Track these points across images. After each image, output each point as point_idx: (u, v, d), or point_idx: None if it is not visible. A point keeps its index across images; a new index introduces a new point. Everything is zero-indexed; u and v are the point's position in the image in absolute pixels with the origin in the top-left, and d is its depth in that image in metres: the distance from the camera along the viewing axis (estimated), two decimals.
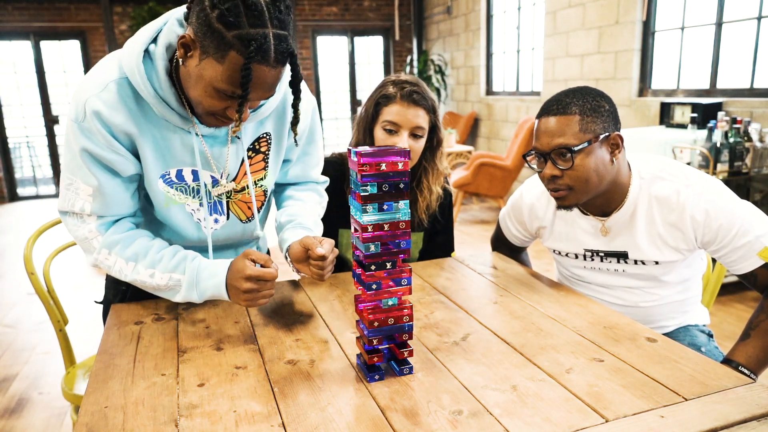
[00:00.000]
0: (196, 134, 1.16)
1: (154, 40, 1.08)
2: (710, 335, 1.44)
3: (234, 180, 1.25)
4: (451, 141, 5.82)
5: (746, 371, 1.15)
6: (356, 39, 8.15)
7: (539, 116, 1.28)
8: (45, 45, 7.02)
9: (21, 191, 7.45)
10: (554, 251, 1.49)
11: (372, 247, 0.90)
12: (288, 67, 1.04)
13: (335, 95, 8.33)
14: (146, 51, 1.07)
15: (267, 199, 1.36)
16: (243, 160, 1.24)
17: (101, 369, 1.01)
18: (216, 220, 1.28)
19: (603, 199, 1.31)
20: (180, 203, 1.22)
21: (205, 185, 1.22)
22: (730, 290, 3.23)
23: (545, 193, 1.45)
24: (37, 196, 7.44)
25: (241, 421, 0.83)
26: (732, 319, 2.91)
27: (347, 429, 0.81)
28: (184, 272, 1.14)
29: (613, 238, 1.35)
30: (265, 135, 1.26)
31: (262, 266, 1.10)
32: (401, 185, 0.89)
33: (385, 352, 0.99)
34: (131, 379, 0.97)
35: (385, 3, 8.01)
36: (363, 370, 0.97)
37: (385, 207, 0.90)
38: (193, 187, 1.21)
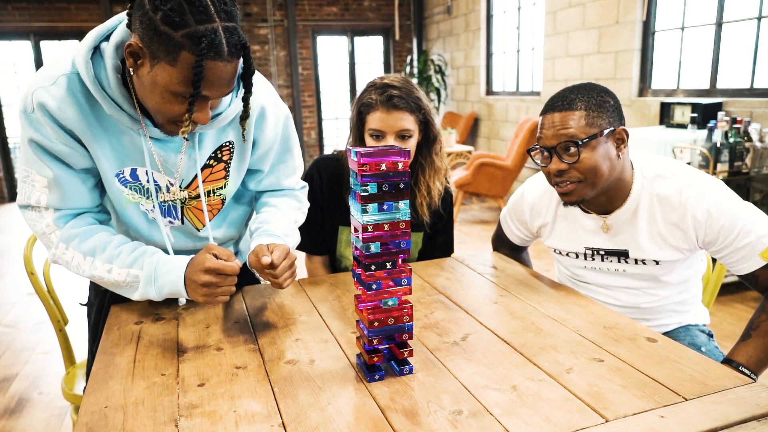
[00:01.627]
0: (146, 136, 1.12)
1: (108, 38, 1.04)
2: (710, 335, 1.44)
3: (188, 187, 1.21)
4: (451, 141, 5.82)
5: (747, 371, 1.15)
6: (356, 39, 8.15)
7: (544, 113, 1.27)
8: (45, 45, 7.01)
9: None
10: (555, 250, 1.49)
11: (372, 247, 0.90)
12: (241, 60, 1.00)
13: (335, 95, 8.33)
14: (99, 48, 1.04)
15: (224, 207, 1.31)
16: (203, 168, 1.20)
17: (101, 369, 1.01)
18: (171, 222, 1.25)
19: (606, 197, 1.31)
20: (134, 202, 1.19)
21: (159, 189, 1.18)
22: (730, 290, 3.23)
23: (547, 191, 1.45)
24: None
25: (241, 421, 0.83)
26: (732, 319, 2.91)
27: (347, 429, 0.81)
28: (142, 267, 1.10)
29: (614, 236, 1.35)
30: (227, 143, 1.22)
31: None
32: (401, 185, 0.89)
33: (385, 352, 0.99)
34: (131, 379, 0.97)
35: (385, 3, 8.01)
36: (363, 370, 0.97)
37: (385, 207, 0.90)
38: (147, 188, 1.18)
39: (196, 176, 1.21)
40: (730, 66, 3.74)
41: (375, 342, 0.94)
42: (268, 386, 0.93)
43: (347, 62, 8.20)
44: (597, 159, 1.21)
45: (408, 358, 0.98)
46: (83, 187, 1.14)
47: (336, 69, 8.23)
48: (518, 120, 5.84)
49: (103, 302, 1.34)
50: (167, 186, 1.19)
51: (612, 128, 1.23)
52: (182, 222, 1.26)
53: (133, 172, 1.16)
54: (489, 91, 6.65)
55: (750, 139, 3.09)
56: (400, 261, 0.94)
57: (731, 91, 3.67)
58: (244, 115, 1.07)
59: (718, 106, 3.52)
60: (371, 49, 8.34)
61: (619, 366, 0.97)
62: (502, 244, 1.68)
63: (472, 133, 6.94)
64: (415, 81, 7.44)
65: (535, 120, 5.06)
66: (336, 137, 8.42)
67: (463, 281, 1.43)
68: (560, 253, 1.48)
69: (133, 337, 1.14)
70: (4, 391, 2.47)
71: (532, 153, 1.30)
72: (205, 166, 1.21)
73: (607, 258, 1.39)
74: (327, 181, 1.62)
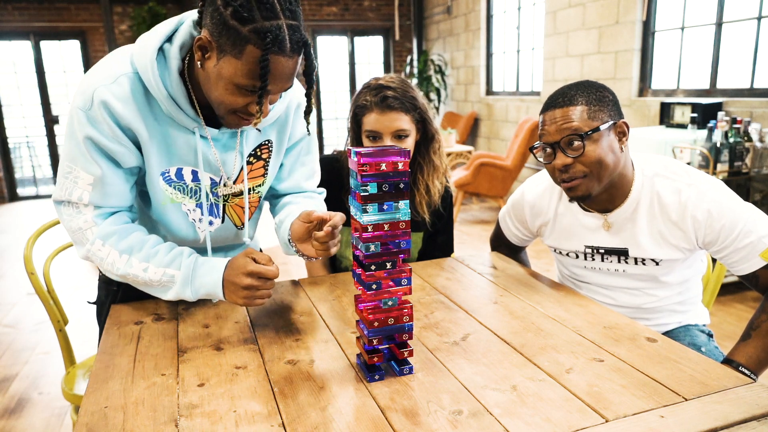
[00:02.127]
0: (202, 136, 1.16)
1: (169, 39, 1.09)
2: (710, 335, 1.45)
3: (234, 183, 1.26)
4: (451, 141, 5.82)
5: (747, 371, 1.15)
6: (356, 39, 8.15)
7: (544, 110, 1.28)
8: (45, 45, 7.02)
9: (21, 191, 7.45)
10: (555, 250, 1.49)
11: (372, 247, 0.90)
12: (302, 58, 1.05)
13: (335, 95, 8.33)
14: (161, 49, 1.08)
15: (259, 206, 1.37)
16: (243, 166, 1.24)
17: (101, 369, 1.01)
18: (210, 222, 1.27)
19: (607, 195, 1.31)
20: (177, 203, 1.22)
21: (204, 186, 1.22)
22: (730, 290, 3.23)
23: (547, 190, 1.45)
24: (37, 196, 7.44)
25: (241, 421, 0.83)
26: (732, 319, 2.91)
27: (347, 429, 0.81)
28: (179, 268, 1.12)
29: (614, 234, 1.35)
30: (266, 142, 1.28)
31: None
32: (401, 185, 0.89)
33: (385, 352, 0.99)
34: (131, 379, 0.97)
35: (385, 3, 8.01)
36: (363, 370, 0.97)
37: (385, 207, 0.90)
38: (191, 188, 1.21)
39: (239, 173, 1.25)
40: (730, 66, 3.74)
41: (375, 342, 0.94)
42: (268, 386, 0.93)
43: (347, 62, 8.20)
44: (601, 152, 1.22)
45: (408, 358, 0.98)
46: (126, 186, 1.16)
47: (336, 69, 8.23)
48: (518, 120, 5.84)
49: (114, 302, 1.34)
50: (213, 183, 1.22)
51: (613, 121, 1.24)
52: (222, 220, 1.29)
53: (179, 172, 1.19)
54: (489, 91, 6.64)
55: (750, 139, 3.09)
56: (400, 261, 0.94)
57: (731, 91, 3.66)
58: (308, 110, 1.14)
59: (718, 106, 3.52)
60: (371, 49, 8.34)
61: (619, 366, 0.97)
62: (500, 244, 1.68)
63: (472, 133, 6.93)
64: (415, 81, 7.45)
65: (535, 120, 5.06)
66: (336, 137, 8.42)
67: (463, 281, 1.43)
68: (560, 252, 1.48)
69: (133, 337, 1.14)
70: (4, 391, 2.47)
71: (535, 150, 1.30)
72: (246, 164, 1.26)
73: (607, 258, 1.39)
74: (326, 181, 1.62)
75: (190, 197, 1.22)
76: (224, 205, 1.28)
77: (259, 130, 1.22)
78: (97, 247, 1.13)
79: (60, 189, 1.13)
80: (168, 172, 1.18)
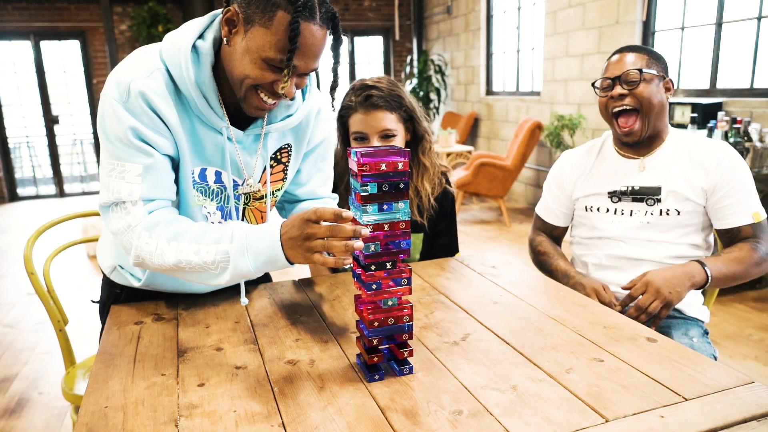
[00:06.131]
0: (228, 138, 1.15)
1: (201, 36, 1.09)
2: (706, 332, 1.49)
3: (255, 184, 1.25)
4: (451, 141, 5.82)
5: (708, 273, 1.38)
6: (356, 39, 8.15)
7: (610, 57, 1.53)
8: (45, 45, 7.02)
9: (21, 191, 7.45)
10: (585, 208, 1.60)
11: (372, 247, 0.90)
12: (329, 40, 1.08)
13: (335, 95, 8.32)
14: (194, 46, 1.08)
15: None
16: (265, 168, 1.24)
17: (101, 369, 1.01)
18: None
19: (647, 140, 1.52)
20: (198, 205, 1.19)
21: (237, 185, 1.21)
22: (730, 290, 3.23)
23: (587, 149, 1.64)
24: (37, 196, 7.44)
25: (241, 421, 0.83)
26: (732, 319, 2.91)
27: (347, 429, 0.81)
28: (231, 240, 1.02)
29: (648, 173, 1.52)
30: (286, 146, 1.28)
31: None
32: (401, 185, 0.90)
33: (385, 352, 0.99)
34: (131, 379, 0.97)
35: (385, 3, 8.01)
36: (363, 370, 0.97)
37: (385, 207, 0.90)
38: (213, 189, 1.19)
39: (261, 176, 1.25)
40: (730, 66, 3.74)
41: (375, 342, 0.94)
42: (268, 386, 0.93)
43: (347, 62, 8.20)
44: (651, 91, 1.45)
45: (408, 358, 0.98)
46: (172, 175, 1.13)
47: None
48: (518, 120, 5.84)
49: (117, 302, 1.34)
50: (235, 185, 1.21)
51: (664, 75, 1.49)
52: None
53: (202, 173, 1.17)
54: (489, 91, 6.65)
55: (750, 139, 3.09)
56: (400, 261, 0.94)
57: (731, 91, 3.67)
58: (334, 85, 1.16)
59: (718, 106, 3.52)
60: (371, 49, 8.34)
61: (619, 366, 0.97)
62: (540, 233, 1.75)
63: (472, 133, 6.94)
64: (415, 81, 7.45)
65: (534, 120, 5.07)
66: (335, 137, 8.42)
67: (463, 281, 1.43)
68: (590, 209, 1.59)
69: (133, 337, 1.14)
70: (4, 391, 2.47)
71: (596, 85, 1.54)
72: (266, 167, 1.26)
73: (636, 210, 1.52)
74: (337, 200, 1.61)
75: (212, 200, 1.20)
76: (244, 209, 1.26)
77: (293, 99, 1.19)
78: (144, 240, 1.05)
79: (106, 191, 1.06)
80: (192, 173, 1.16)
